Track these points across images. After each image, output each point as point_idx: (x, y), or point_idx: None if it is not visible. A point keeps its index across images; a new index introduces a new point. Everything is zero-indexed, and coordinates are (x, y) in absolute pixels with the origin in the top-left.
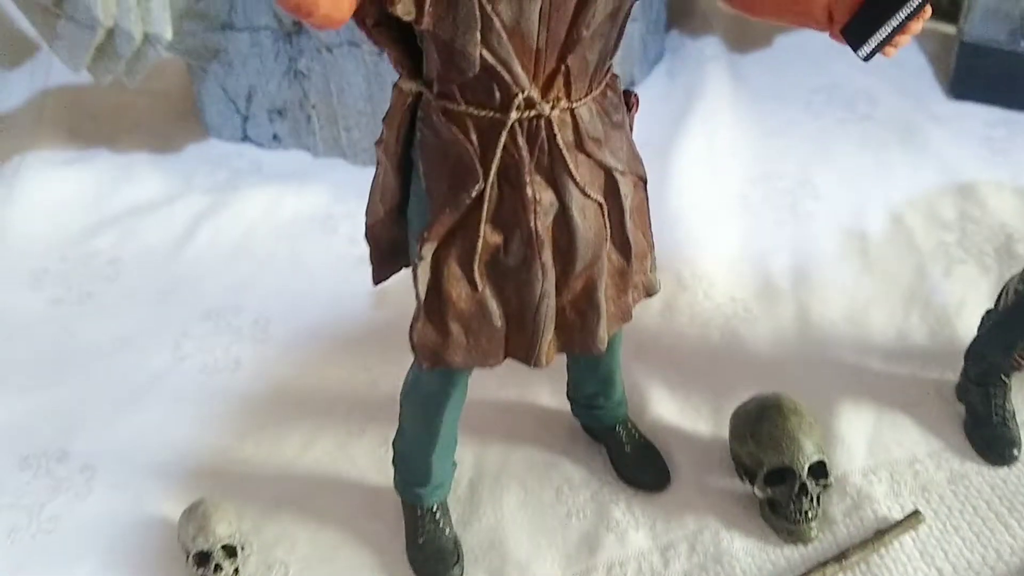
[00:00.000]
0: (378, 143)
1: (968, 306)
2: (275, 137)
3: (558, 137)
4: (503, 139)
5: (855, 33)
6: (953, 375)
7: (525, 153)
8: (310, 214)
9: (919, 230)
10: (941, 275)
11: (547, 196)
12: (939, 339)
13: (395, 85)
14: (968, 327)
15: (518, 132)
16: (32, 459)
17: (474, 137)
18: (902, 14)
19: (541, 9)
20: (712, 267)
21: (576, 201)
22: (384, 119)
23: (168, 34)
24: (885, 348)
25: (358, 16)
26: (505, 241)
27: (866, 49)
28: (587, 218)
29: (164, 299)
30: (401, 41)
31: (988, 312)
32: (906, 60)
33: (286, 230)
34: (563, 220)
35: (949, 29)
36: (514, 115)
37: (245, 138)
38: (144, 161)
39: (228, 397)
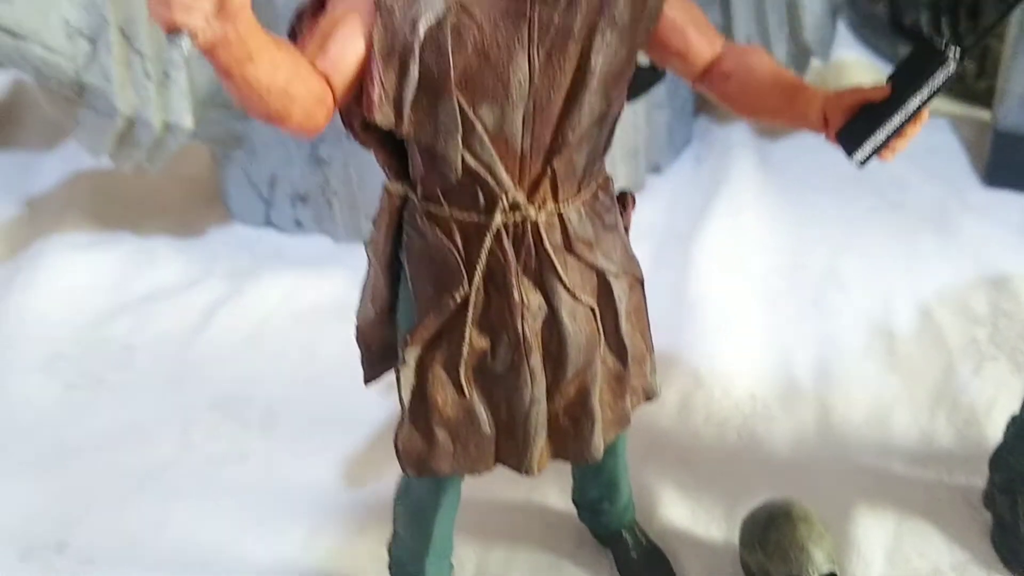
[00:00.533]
0: (367, 244)
1: (998, 406)
2: (297, 223)
3: (545, 240)
4: (488, 243)
5: (849, 138)
6: (981, 481)
7: (511, 256)
8: (328, 301)
9: (948, 325)
10: (971, 373)
11: (535, 299)
12: (967, 442)
13: (383, 187)
14: (998, 428)
15: (504, 235)
16: (33, 551)
17: (459, 240)
18: (897, 119)
19: (524, 113)
20: (732, 362)
21: (566, 305)
22: (373, 220)
23: (189, 123)
24: (909, 451)
25: (345, 119)
26: (492, 346)
27: (860, 155)
28: (578, 322)
29: (175, 387)
30: (387, 143)
31: (1013, 417)
32: (940, 146)
33: (303, 317)
34: (552, 324)
35: (984, 115)
36: (499, 218)
37: (268, 223)
38: (167, 245)
39: (232, 489)
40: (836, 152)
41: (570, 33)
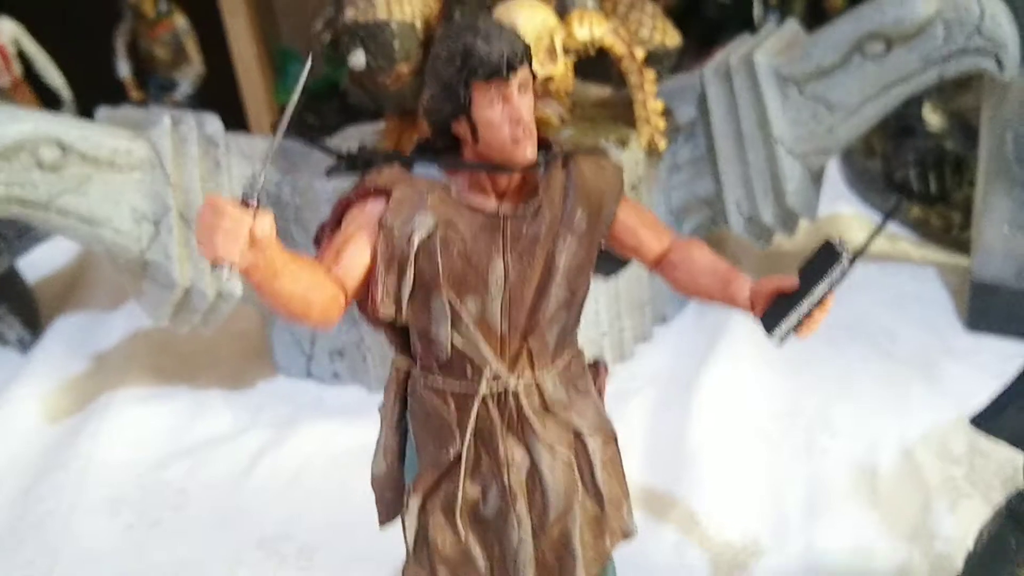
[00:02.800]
0: (380, 409)
1: (971, 540)
2: (335, 375)
3: (525, 404)
4: (476, 408)
5: (769, 320)
6: None
7: (496, 418)
8: (361, 446)
9: (928, 465)
10: (946, 510)
11: (519, 454)
12: (940, 574)
13: (392, 363)
14: None
15: (489, 401)
16: None
17: (452, 406)
18: (805, 306)
19: (502, 303)
20: (728, 501)
21: (545, 459)
22: (384, 390)
23: (238, 292)
24: None
25: (360, 308)
26: (483, 494)
27: (777, 334)
28: (556, 473)
29: (224, 528)
30: (393, 326)
31: (969, 553)
32: (927, 294)
33: (339, 461)
34: (535, 475)
35: (965, 261)
36: (484, 388)
37: (309, 375)
38: (218, 397)
39: None
40: (831, 305)
41: (536, 239)
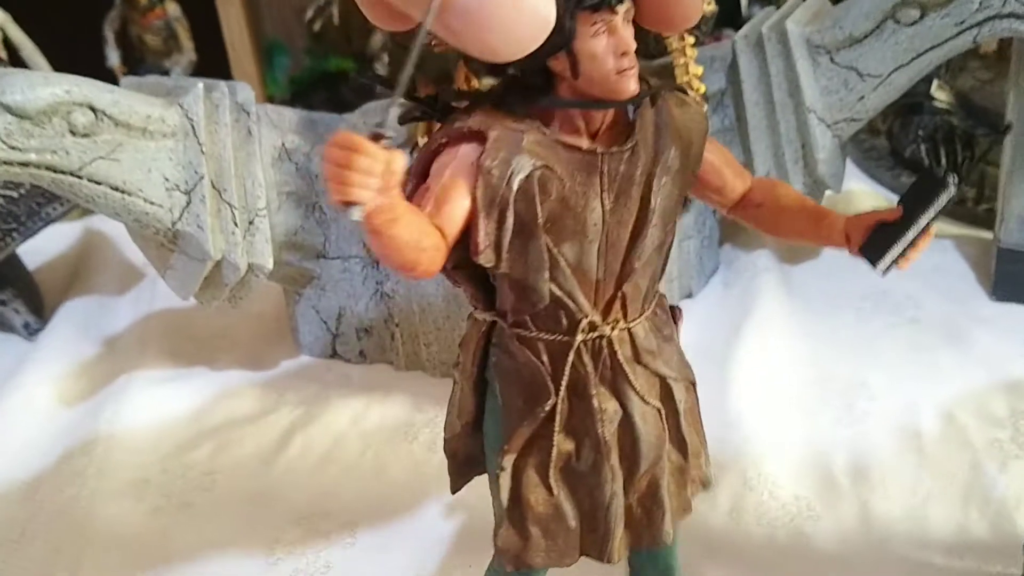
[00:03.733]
0: (455, 366)
1: None
2: (361, 353)
3: (618, 353)
4: (571, 358)
5: (872, 252)
6: (1016, 569)
7: (591, 369)
8: (394, 423)
9: (972, 427)
10: (997, 471)
11: (611, 406)
12: (1000, 533)
13: (470, 316)
14: None
15: (583, 351)
16: None
17: (545, 358)
18: (911, 234)
19: (599, 248)
20: (775, 467)
21: (637, 408)
22: (460, 345)
23: (270, 264)
24: (946, 543)
25: (449, 258)
26: (577, 448)
27: (882, 265)
28: (648, 423)
29: (257, 507)
30: (476, 279)
31: None
32: (948, 266)
33: (372, 438)
34: (627, 426)
35: (985, 235)
36: (580, 337)
37: (334, 354)
38: (240, 378)
39: None
40: (854, 274)
41: (632, 179)
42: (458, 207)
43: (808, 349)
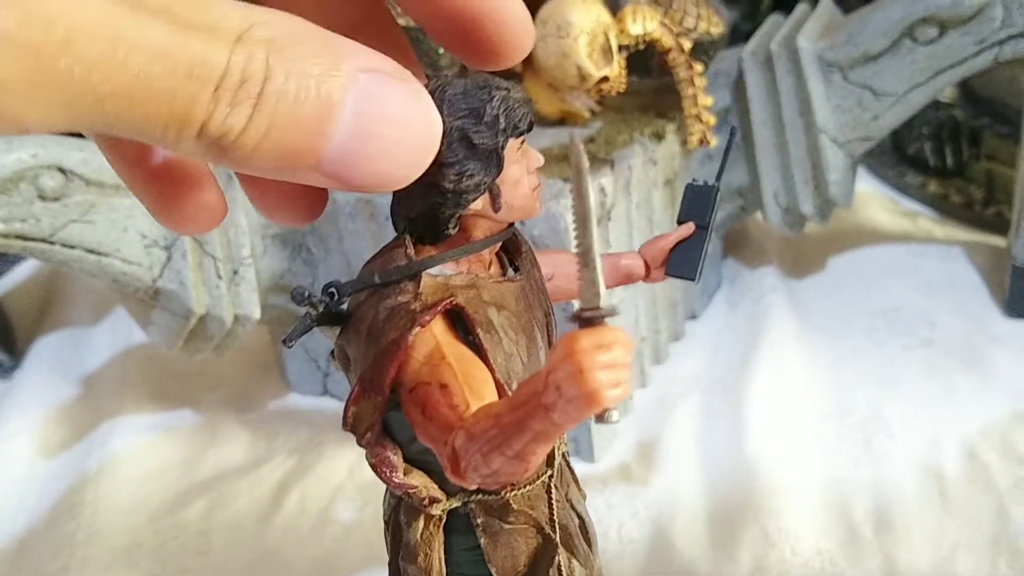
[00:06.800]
0: None
1: None
2: None
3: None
4: (554, 494)
5: (682, 270)
6: None
7: (557, 491)
8: None
9: (995, 465)
10: (1022, 513)
11: (575, 517)
12: None
13: (414, 521)
14: None
15: (553, 478)
16: None
17: (541, 507)
18: (708, 242)
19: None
20: (796, 519)
21: (582, 504)
22: (408, 557)
23: (257, 314)
24: None
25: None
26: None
27: (699, 277)
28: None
29: (256, 571)
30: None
31: None
32: (958, 276)
33: (372, 489)
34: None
35: (996, 241)
36: (556, 463)
37: (325, 392)
38: (229, 421)
39: None
40: (863, 288)
41: (539, 291)
42: (490, 385)
43: (822, 377)
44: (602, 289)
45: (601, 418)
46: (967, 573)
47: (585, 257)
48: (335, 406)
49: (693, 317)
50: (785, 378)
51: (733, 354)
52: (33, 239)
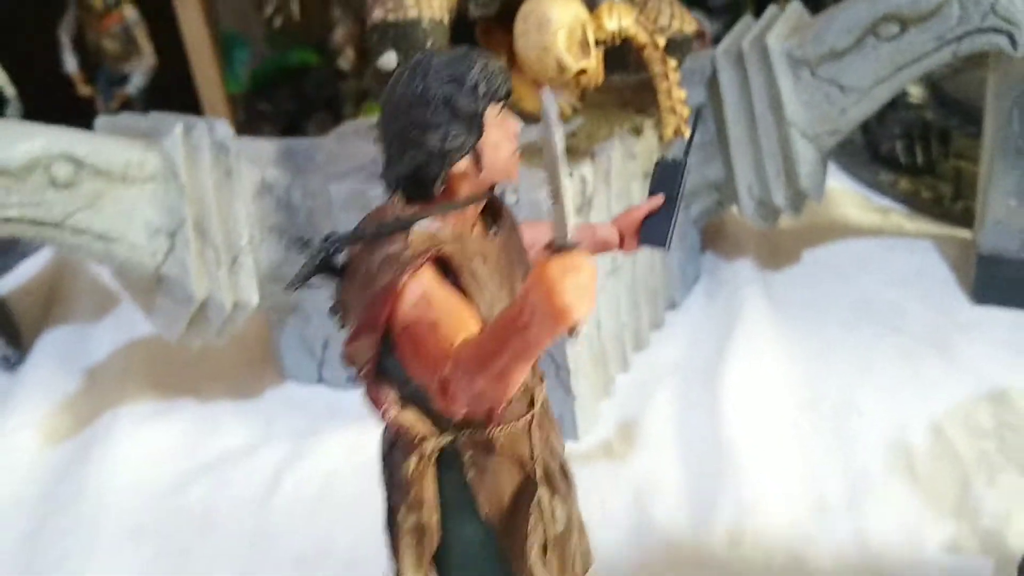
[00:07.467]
0: (403, 520)
1: (1015, 514)
2: (349, 378)
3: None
4: (534, 433)
5: (654, 239)
6: None
7: (537, 432)
8: None
9: (960, 441)
10: (985, 485)
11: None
12: (992, 550)
13: (407, 457)
14: (1018, 535)
15: (533, 420)
16: None
17: (521, 447)
18: (677, 213)
19: None
20: (770, 492)
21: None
22: (403, 494)
23: (255, 300)
24: (940, 563)
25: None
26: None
27: (670, 245)
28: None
29: (256, 549)
30: (423, 408)
31: None
32: (927, 267)
33: (367, 470)
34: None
35: (963, 234)
36: (537, 406)
37: (320, 380)
38: (227, 409)
39: None
40: (836, 281)
41: (520, 249)
42: (474, 323)
43: (797, 365)
44: (571, 223)
45: (572, 333)
46: (933, 540)
47: (556, 195)
48: (330, 394)
49: (673, 307)
50: (761, 365)
51: (711, 342)
52: (45, 224)
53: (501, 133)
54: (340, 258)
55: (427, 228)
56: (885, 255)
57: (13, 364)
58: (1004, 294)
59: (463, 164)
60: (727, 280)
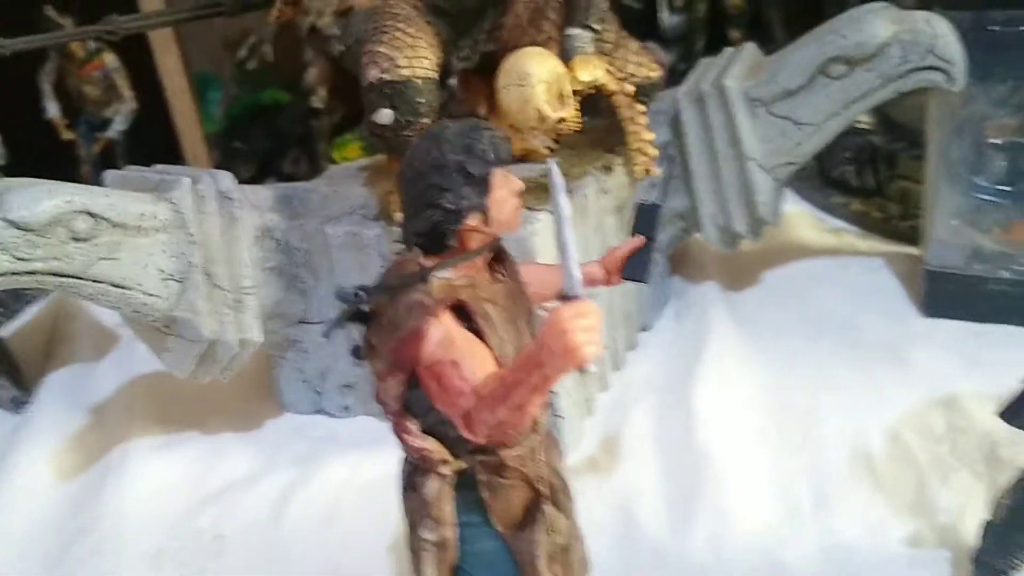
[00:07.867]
0: (420, 540)
1: (968, 510)
2: (346, 408)
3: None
4: (541, 454)
5: (636, 275)
6: None
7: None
8: (387, 474)
9: (915, 445)
10: (939, 485)
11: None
12: (948, 544)
13: (423, 481)
14: (972, 529)
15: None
16: None
17: (529, 468)
18: (656, 251)
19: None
20: (744, 500)
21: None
22: (420, 516)
23: (259, 338)
24: (904, 557)
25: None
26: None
27: (650, 280)
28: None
29: (271, 570)
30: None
31: (987, 523)
32: (881, 285)
33: (369, 492)
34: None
35: (911, 251)
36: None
37: (319, 411)
38: (231, 441)
39: None
40: (794, 298)
41: (524, 295)
42: (490, 360)
43: (763, 378)
44: (577, 275)
45: (581, 369)
46: (894, 538)
47: (564, 251)
48: (328, 422)
49: (645, 329)
50: (729, 379)
51: (682, 360)
52: (66, 275)
53: (506, 192)
54: (366, 306)
55: (444, 277)
56: (840, 273)
57: (20, 404)
58: (951, 307)
59: (474, 220)
60: (695, 302)
